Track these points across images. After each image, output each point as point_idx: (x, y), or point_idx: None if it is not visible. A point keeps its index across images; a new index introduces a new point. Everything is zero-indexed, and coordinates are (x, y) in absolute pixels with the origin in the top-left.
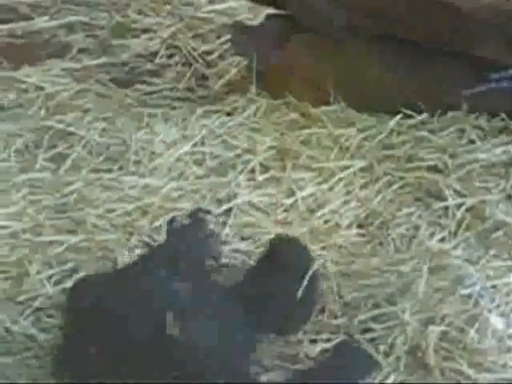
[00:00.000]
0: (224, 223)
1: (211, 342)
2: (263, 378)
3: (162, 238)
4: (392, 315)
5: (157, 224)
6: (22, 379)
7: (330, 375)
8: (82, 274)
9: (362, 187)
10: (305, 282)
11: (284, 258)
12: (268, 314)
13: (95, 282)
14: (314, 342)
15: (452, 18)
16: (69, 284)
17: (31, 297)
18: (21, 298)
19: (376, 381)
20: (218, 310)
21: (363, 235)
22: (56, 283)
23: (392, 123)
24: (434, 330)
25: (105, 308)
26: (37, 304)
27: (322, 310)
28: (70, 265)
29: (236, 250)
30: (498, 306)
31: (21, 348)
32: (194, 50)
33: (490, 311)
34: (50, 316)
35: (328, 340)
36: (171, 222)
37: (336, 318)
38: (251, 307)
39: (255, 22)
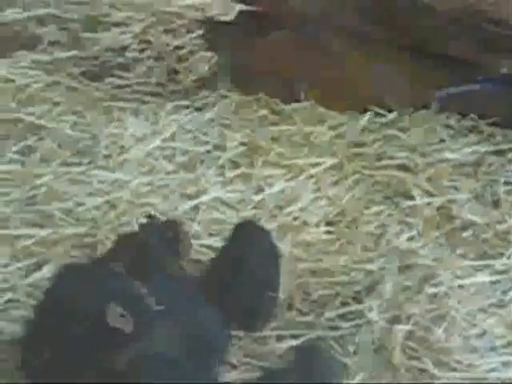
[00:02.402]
0: (192, 219)
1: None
2: (230, 376)
3: (132, 230)
4: (359, 313)
5: (125, 218)
6: None
7: (295, 377)
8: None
9: (332, 185)
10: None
11: (248, 242)
12: (233, 309)
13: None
14: (281, 338)
15: (426, 18)
16: (35, 277)
17: None
18: None
19: (343, 381)
20: (185, 310)
21: (332, 233)
22: (23, 276)
23: (363, 121)
24: (401, 328)
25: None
26: (4, 297)
27: (290, 307)
28: (37, 258)
29: (204, 246)
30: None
31: None
32: (166, 44)
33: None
34: (17, 308)
35: (295, 337)
36: (148, 217)
37: (303, 315)
38: (216, 302)
39: (227, 18)
